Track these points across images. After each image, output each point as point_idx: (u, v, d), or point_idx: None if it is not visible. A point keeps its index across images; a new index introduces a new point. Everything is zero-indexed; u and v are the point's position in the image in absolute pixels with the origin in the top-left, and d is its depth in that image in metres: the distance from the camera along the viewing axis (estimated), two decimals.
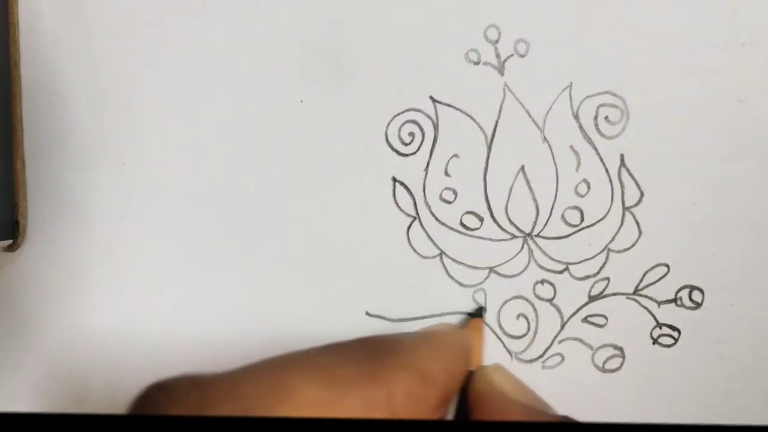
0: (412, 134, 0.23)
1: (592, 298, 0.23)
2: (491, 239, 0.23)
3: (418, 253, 0.24)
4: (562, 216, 0.23)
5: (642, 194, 0.23)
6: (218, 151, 0.24)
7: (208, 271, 0.25)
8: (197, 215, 0.24)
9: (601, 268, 0.23)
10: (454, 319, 0.24)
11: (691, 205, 0.23)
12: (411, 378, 0.16)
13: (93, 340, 0.25)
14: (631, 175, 0.23)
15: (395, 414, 0.15)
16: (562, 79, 0.23)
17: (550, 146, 0.23)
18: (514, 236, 0.23)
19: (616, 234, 0.23)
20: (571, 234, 0.23)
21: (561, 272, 0.23)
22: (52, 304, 0.26)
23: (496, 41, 0.23)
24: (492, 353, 0.24)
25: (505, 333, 0.24)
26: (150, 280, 0.25)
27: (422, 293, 0.24)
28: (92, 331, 0.25)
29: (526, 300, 0.24)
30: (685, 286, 0.23)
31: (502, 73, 0.23)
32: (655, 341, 0.23)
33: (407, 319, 0.24)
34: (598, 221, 0.23)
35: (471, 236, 0.24)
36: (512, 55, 0.23)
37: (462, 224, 0.24)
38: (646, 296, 0.23)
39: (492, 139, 0.23)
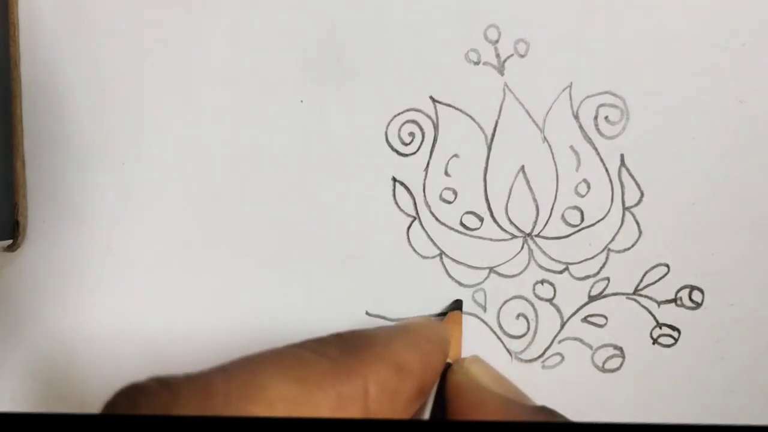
0: (412, 134, 0.23)
1: (592, 298, 0.23)
2: (491, 239, 0.23)
3: (418, 253, 0.24)
4: (562, 216, 0.23)
5: (642, 194, 0.23)
6: (218, 151, 0.24)
7: (207, 271, 0.25)
8: (197, 215, 0.24)
9: (601, 268, 0.23)
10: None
11: (691, 205, 0.23)
12: (385, 370, 0.15)
13: (93, 340, 0.25)
14: (631, 175, 0.23)
15: (370, 407, 0.15)
16: (562, 79, 0.23)
17: (550, 146, 0.23)
18: (514, 236, 0.23)
19: (616, 234, 0.23)
20: (571, 234, 0.23)
21: (561, 272, 0.23)
22: (52, 304, 0.26)
23: (496, 41, 0.23)
24: (492, 353, 0.24)
25: (504, 333, 0.24)
26: (150, 280, 0.25)
27: (422, 293, 0.24)
28: (92, 331, 0.25)
29: (526, 300, 0.24)
30: (685, 286, 0.23)
31: (502, 73, 0.23)
32: (655, 341, 0.23)
33: (407, 319, 0.24)
34: (598, 221, 0.23)
35: (471, 236, 0.24)
36: (512, 55, 0.23)
37: (462, 224, 0.24)
38: (646, 296, 0.23)
39: (492, 139, 0.23)
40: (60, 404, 0.26)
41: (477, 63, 0.23)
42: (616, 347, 0.23)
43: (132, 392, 0.13)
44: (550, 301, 0.23)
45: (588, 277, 0.23)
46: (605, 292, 0.23)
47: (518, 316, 0.24)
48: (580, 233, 0.23)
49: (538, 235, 0.23)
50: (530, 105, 0.23)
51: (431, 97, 0.23)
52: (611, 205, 0.23)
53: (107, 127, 0.25)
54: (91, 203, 0.25)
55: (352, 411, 0.14)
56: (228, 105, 0.24)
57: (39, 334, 0.26)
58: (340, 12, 0.23)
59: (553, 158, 0.23)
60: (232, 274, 0.24)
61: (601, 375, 0.24)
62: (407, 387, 0.16)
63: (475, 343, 0.24)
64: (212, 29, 0.24)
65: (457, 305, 0.23)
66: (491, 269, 0.24)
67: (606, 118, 0.23)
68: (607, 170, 0.23)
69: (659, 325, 0.23)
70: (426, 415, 0.18)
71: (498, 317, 0.24)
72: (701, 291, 0.23)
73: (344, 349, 0.16)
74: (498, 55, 0.23)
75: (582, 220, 0.23)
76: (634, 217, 0.23)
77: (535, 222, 0.23)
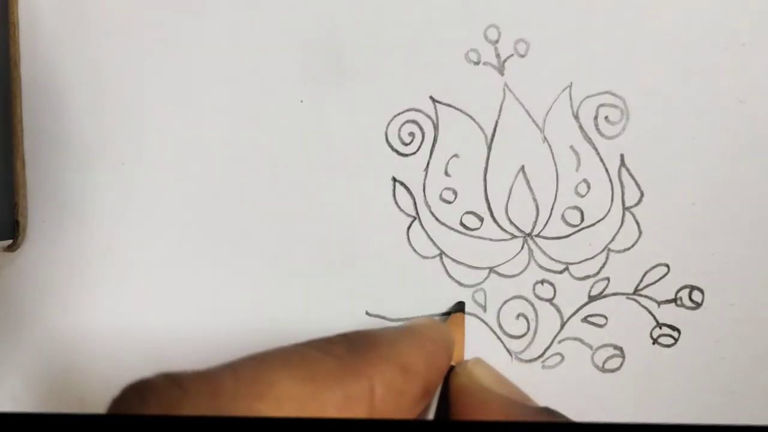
0: (412, 134, 0.23)
1: (592, 298, 0.23)
2: (491, 239, 0.23)
3: (418, 253, 0.24)
4: (562, 216, 0.23)
5: (642, 194, 0.23)
6: (218, 151, 0.24)
7: (207, 271, 0.25)
8: (197, 215, 0.24)
9: (601, 268, 0.23)
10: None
11: (691, 205, 0.23)
12: (391, 371, 0.15)
13: (93, 340, 0.25)
14: (631, 175, 0.23)
15: (376, 407, 0.15)
16: (562, 79, 0.23)
17: (550, 146, 0.23)
18: (514, 236, 0.23)
19: (616, 234, 0.23)
20: (571, 234, 0.23)
21: (561, 272, 0.23)
22: (52, 304, 0.26)
23: (496, 41, 0.23)
24: (492, 353, 0.24)
25: (505, 333, 0.24)
26: (150, 280, 0.25)
27: (422, 293, 0.24)
28: (92, 331, 0.25)
29: (526, 300, 0.24)
30: (685, 286, 0.23)
31: (502, 73, 0.23)
32: (655, 341, 0.23)
33: (407, 319, 0.24)
34: (598, 221, 0.23)
35: (471, 236, 0.24)
36: (512, 55, 0.23)
37: (462, 224, 0.24)
38: (646, 296, 0.23)
39: (492, 139, 0.23)
40: (60, 404, 0.26)
41: (477, 63, 0.23)
42: (616, 347, 0.23)
43: (141, 388, 0.13)
44: (550, 301, 0.23)
45: (588, 277, 0.23)
46: (605, 292, 0.23)
47: (518, 316, 0.24)
48: (580, 233, 0.23)
49: (538, 235, 0.23)
50: (530, 105, 0.23)
51: (431, 97, 0.23)
52: (611, 205, 0.23)
53: (107, 127, 0.25)
54: (91, 203, 0.25)
55: (358, 410, 0.14)
56: (228, 105, 0.24)
57: (39, 334, 0.26)
58: (340, 12, 0.23)
59: (553, 158, 0.23)
60: (232, 274, 0.24)
61: (601, 375, 0.24)
62: (413, 387, 0.16)
63: (475, 343, 0.24)
64: (212, 29, 0.24)
65: (459, 307, 0.23)
66: (491, 269, 0.24)
67: (606, 118, 0.23)
68: (607, 170, 0.23)
69: (659, 325, 0.23)
70: (430, 417, 0.18)
71: (498, 317, 0.24)
72: (701, 291, 0.23)
73: (350, 348, 0.16)
74: (498, 55, 0.23)
75: (582, 220, 0.23)
76: (634, 217, 0.23)
77: (535, 222, 0.23)
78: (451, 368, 0.19)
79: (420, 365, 0.16)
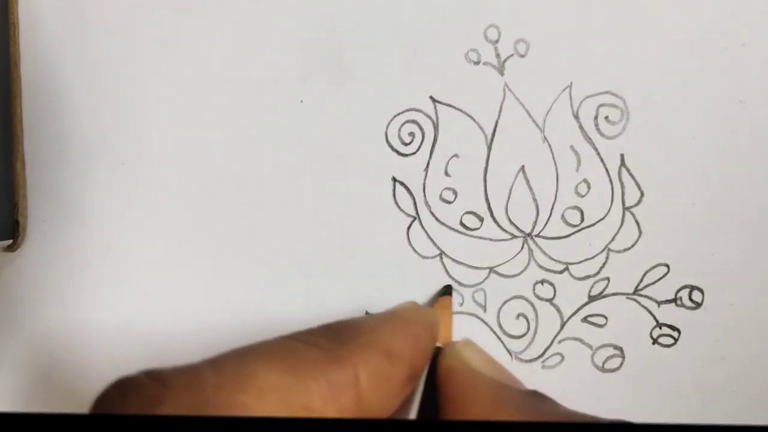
0: (412, 134, 0.23)
1: (592, 298, 0.23)
2: (491, 239, 0.23)
3: (418, 253, 0.24)
4: (562, 216, 0.23)
5: (642, 194, 0.23)
6: (218, 151, 0.24)
7: (207, 271, 0.25)
8: (197, 215, 0.24)
9: (601, 268, 0.23)
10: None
11: (691, 205, 0.23)
12: (375, 357, 0.15)
13: (93, 339, 0.25)
14: (631, 175, 0.23)
15: (362, 394, 0.15)
16: (562, 79, 0.23)
17: (550, 146, 0.23)
18: (514, 236, 0.23)
19: (616, 234, 0.23)
20: (571, 234, 0.23)
21: (561, 272, 0.23)
22: (52, 304, 0.26)
23: (496, 41, 0.23)
24: (492, 353, 0.24)
25: (504, 333, 0.24)
26: (150, 280, 0.25)
27: (422, 293, 0.24)
28: (92, 331, 0.25)
29: (526, 300, 0.24)
30: (685, 286, 0.23)
31: (502, 73, 0.23)
32: (655, 341, 0.23)
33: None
34: (598, 221, 0.23)
35: (471, 236, 0.24)
36: (512, 55, 0.23)
37: (462, 224, 0.24)
38: (646, 296, 0.23)
39: (492, 139, 0.23)
40: (60, 404, 0.26)
41: (477, 63, 0.23)
42: (616, 347, 0.23)
43: (123, 385, 0.13)
44: (550, 301, 0.23)
45: (588, 277, 0.23)
46: (605, 292, 0.23)
47: (518, 316, 0.24)
48: (580, 233, 0.23)
49: (538, 235, 0.23)
50: (530, 105, 0.23)
51: (431, 97, 0.23)
52: (611, 205, 0.23)
53: (107, 127, 0.25)
54: (91, 203, 0.25)
55: (344, 399, 0.14)
56: (228, 105, 0.24)
57: (39, 334, 0.26)
58: (340, 12, 0.23)
59: (553, 158, 0.23)
60: (232, 273, 0.24)
61: (601, 375, 0.24)
62: (398, 372, 0.16)
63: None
64: (212, 29, 0.24)
65: (446, 290, 0.23)
66: (491, 269, 0.24)
67: (606, 118, 0.23)
68: (607, 170, 0.23)
69: (659, 325, 0.23)
70: (417, 399, 0.18)
71: (498, 317, 0.24)
72: (701, 291, 0.23)
73: (333, 338, 0.16)
74: (498, 55, 0.23)
75: (582, 220, 0.23)
76: (634, 217, 0.23)
77: (535, 222, 0.23)
78: (440, 350, 0.19)
79: (404, 350, 0.16)
